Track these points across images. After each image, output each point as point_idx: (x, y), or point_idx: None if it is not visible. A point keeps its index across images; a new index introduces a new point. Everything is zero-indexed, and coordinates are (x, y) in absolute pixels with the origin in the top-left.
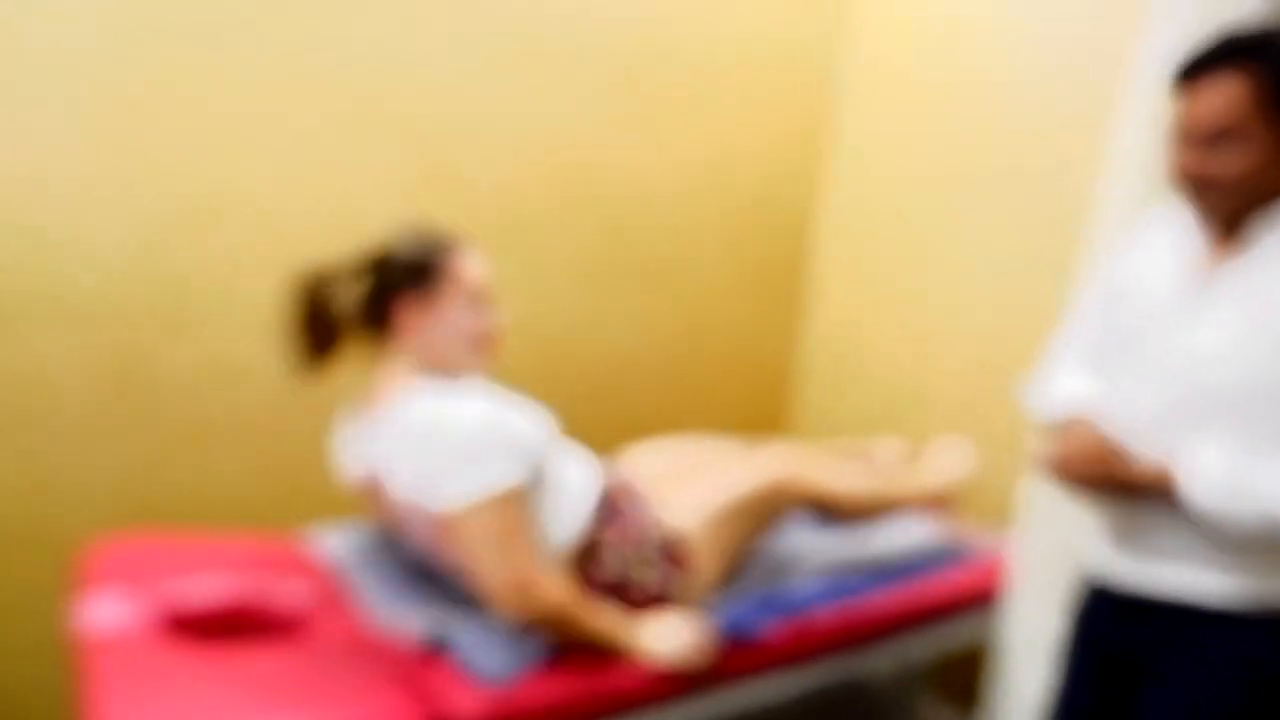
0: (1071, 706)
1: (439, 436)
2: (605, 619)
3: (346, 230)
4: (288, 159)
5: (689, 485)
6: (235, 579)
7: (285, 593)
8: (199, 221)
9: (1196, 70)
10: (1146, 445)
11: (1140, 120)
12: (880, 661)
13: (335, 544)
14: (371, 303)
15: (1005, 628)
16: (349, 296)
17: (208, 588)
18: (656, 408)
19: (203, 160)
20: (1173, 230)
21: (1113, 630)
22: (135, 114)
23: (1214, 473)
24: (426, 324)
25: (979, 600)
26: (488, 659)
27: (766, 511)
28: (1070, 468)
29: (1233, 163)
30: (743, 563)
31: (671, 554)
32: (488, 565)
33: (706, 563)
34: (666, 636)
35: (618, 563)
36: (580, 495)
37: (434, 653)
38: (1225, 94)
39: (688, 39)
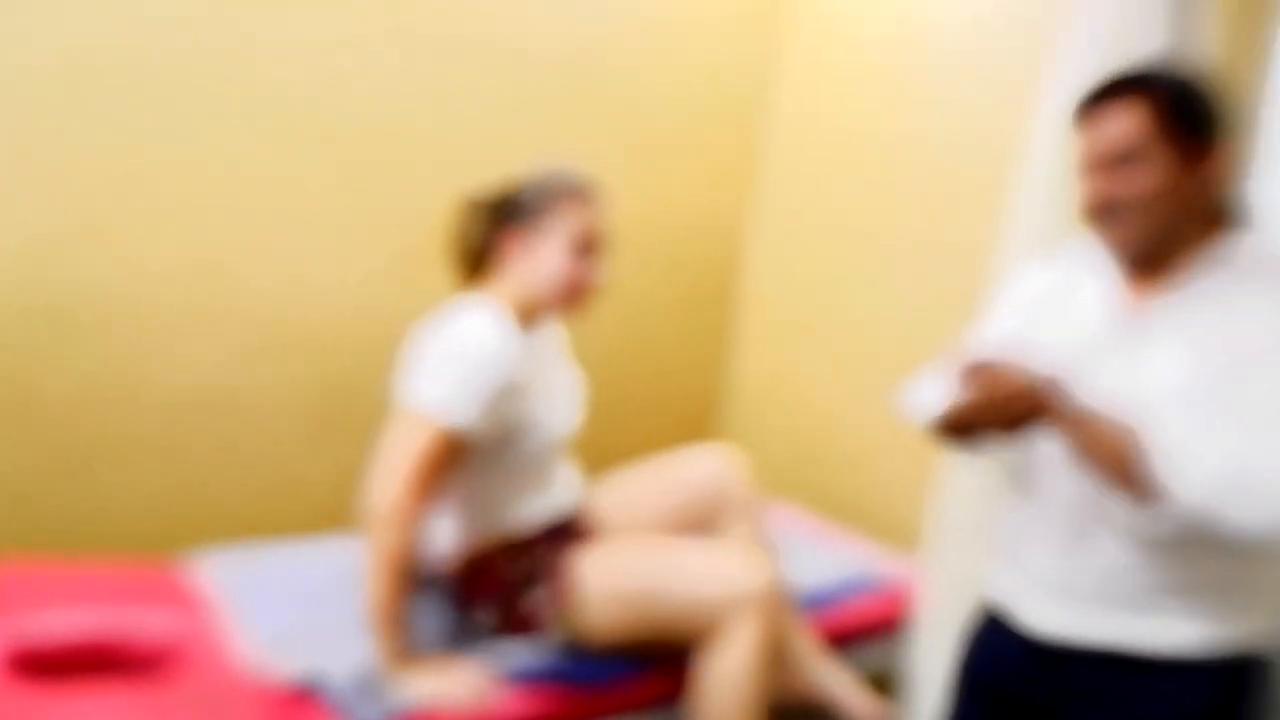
0: None
1: (444, 344)
2: (389, 630)
3: (247, 244)
4: (178, 169)
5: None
6: (96, 612)
7: (151, 627)
8: (83, 237)
9: (1100, 99)
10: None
11: (1042, 164)
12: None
13: (217, 572)
14: (487, 234)
15: (911, 656)
16: (478, 227)
17: (64, 622)
18: (582, 433)
19: (87, 174)
20: (1089, 267)
21: (1027, 675)
22: (21, 124)
23: (1213, 461)
24: (525, 260)
25: (889, 627)
26: (360, 703)
27: (687, 626)
28: (994, 402)
29: (1136, 183)
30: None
31: (561, 593)
32: (384, 470)
33: (600, 631)
34: (440, 684)
35: (524, 574)
36: (546, 499)
37: (305, 695)
38: (1128, 117)
39: (622, 69)
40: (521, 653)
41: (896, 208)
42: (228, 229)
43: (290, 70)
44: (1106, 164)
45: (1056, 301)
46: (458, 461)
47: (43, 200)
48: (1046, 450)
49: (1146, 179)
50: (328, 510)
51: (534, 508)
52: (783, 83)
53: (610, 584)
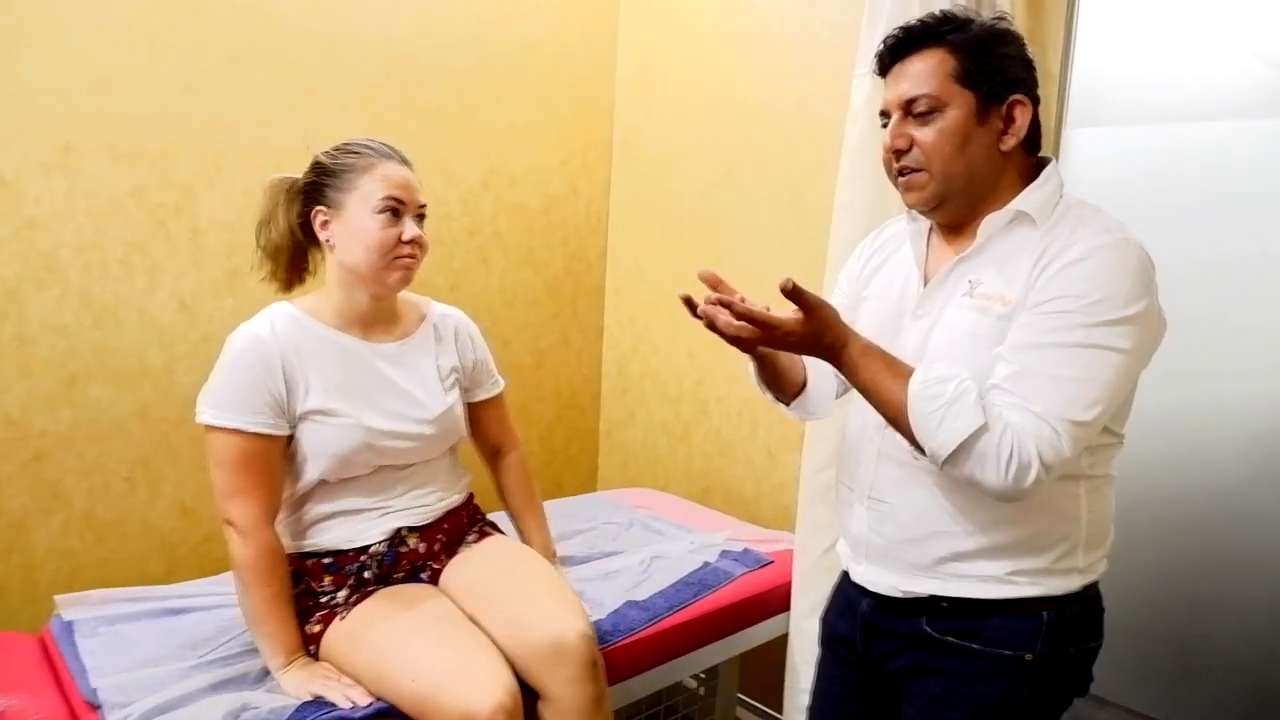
0: (825, 709)
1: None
2: (272, 624)
3: (38, 272)
4: None
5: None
6: None
7: None
8: None
9: (901, 51)
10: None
11: (860, 136)
12: (688, 667)
13: (61, 630)
14: (302, 219)
15: (790, 626)
16: (283, 216)
17: None
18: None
19: None
20: (907, 235)
21: (866, 630)
22: None
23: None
24: (339, 237)
25: (780, 601)
26: None
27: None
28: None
29: (934, 130)
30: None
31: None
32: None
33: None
34: (317, 688)
35: (301, 599)
36: (339, 527)
37: None
38: (926, 65)
39: (460, 51)
40: None
41: (739, 180)
42: (15, 258)
43: (66, 74)
44: (906, 112)
45: (878, 270)
46: (272, 458)
47: None
48: (858, 420)
49: (943, 126)
50: (178, 550)
51: (318, 534)
52: (626, 54)
53: (353, 650)
